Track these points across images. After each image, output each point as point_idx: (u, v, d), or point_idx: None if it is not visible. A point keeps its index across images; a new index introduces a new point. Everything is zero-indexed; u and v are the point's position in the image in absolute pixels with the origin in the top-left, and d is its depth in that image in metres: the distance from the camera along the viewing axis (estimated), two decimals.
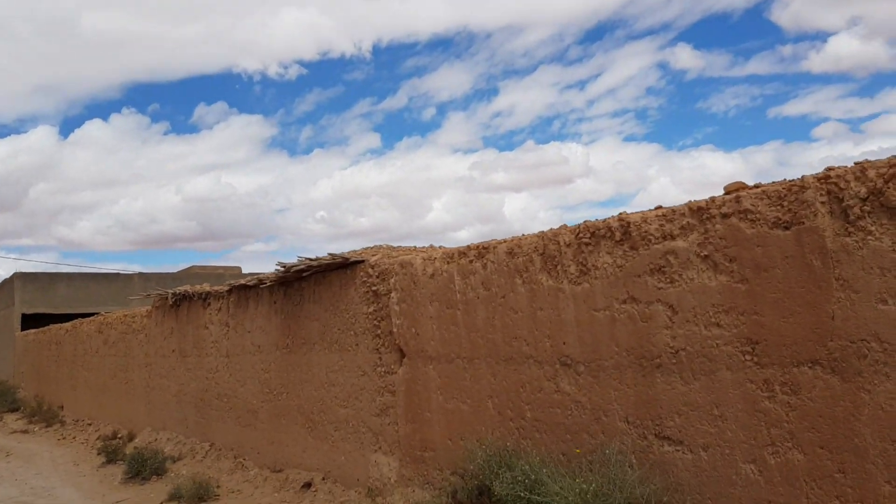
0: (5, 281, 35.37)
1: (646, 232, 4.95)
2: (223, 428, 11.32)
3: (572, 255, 5.45)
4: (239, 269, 36.05)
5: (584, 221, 5.40)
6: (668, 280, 4.79)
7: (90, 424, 17.19)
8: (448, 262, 6.78)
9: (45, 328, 24.03)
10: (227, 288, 11.33)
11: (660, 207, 5.00)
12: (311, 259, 8.56)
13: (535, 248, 5.80)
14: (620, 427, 5.11)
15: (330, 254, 8.26)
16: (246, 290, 10.81)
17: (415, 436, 7.18)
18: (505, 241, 6.16)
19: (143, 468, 11.13)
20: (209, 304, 12.02)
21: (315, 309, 9.03)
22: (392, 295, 7.55)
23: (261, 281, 9.86)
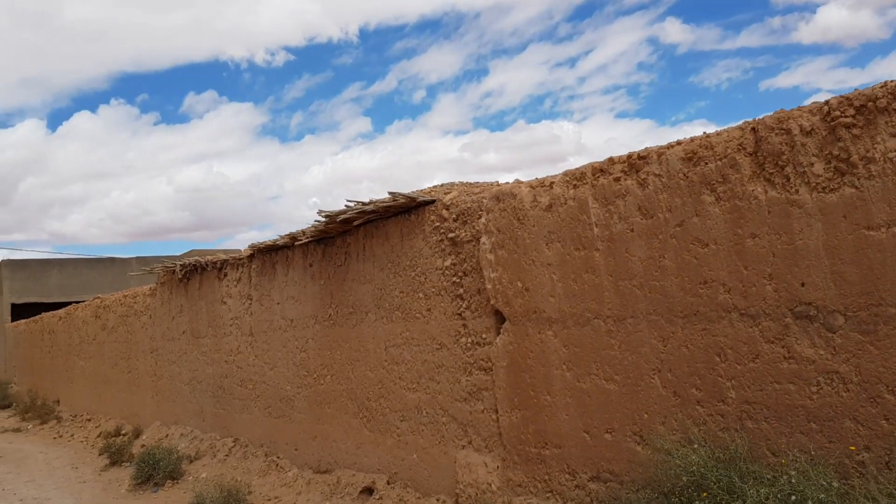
0: None
1: None
2: (249, 420, 9.45)
3: (817, 146, 3.56)
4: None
5: (840, 96, 3.49)
6: None
7: (90, 420, 15.33)
8: (575, 186, 4.87)
9: (37, 317, 22.12)
10: (248, 253, 9.42)
11: None
12: (363, 203, 6.65)
13: (740, 145, 3.89)
14: None
15: (390, 193, 6.35)
16: (272, 254, 8.90)
17: (525, 427, 5.32)
18: (679, 144, 4.25)
19: (155, 471, 9.29)
20: (226, 275, 10.11)
21: (366, 268, 7.14)
22: (482, 241, 5.66)
23: (293, 238, 7.94)
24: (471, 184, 6.53)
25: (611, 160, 4.64)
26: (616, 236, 4.59)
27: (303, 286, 8.25)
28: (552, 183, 5.06)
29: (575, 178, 4.90)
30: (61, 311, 19.15)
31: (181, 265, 10.96)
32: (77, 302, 20.71)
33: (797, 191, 3.62)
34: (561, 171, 5.05)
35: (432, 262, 6.29)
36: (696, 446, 3.81)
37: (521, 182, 5.39)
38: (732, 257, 3.93)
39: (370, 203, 6.58)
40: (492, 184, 6.40)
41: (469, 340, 5.89)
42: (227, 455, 9.50)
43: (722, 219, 3.98)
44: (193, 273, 10.99)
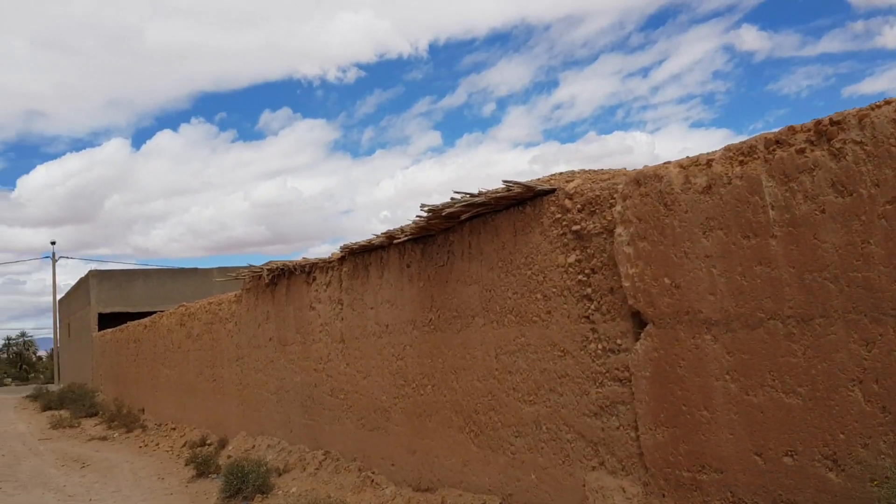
0: (81, 280, 34.23)
1: None
2: (340, 432, 8.92)
3: None
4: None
5: None
6: None
7: (174, 429, 15.15)
8: (742, 163, 4.12)
9: (123, 326, 22.35)
10: (339, 255, 8.92)
11: None
12: (471, 195, 6.02)
13: None
14: None
15: (505, 182, 5.69)
16: (365, 256, 8.36)
17: (675, 447, 4.57)
18: (889, 103, 3.46)
19: (244, 484, 8.83)
20: (314, 279, 9.64)
21: (472, 268, 6.50)
22: (617, 232, 4.94)
23: (390, 237, 7.37)
24: (594, 171, 5.82)
25: (791, 129, 3.87)
26: (800, 220, 3.81)
27: (399, 289, 7.68)
28: (710, 160, 4.31)
29: (741, 152, 4.14)
30: (146, 320, 19.20)
31: (268, 269, 10.56)
32: (161, 311, 20.80)
33: None
34: (721, 147, 4.30)
35: (552, 259, 5.60)
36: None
37: (668, 163, 4.66)
38: None
39: (480, 195, 5.94)
40: (619, 169, 5.68)
41: (599, 347, 5.17)
42: (317, 469, 8.99)
43: None
44: (280, 278, 10.58)
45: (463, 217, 6.26)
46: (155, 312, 19.71)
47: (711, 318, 4.31)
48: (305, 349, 9.85)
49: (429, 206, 6.40)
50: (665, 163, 4.69)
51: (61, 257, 48.54)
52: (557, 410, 5.55)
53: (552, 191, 5.59)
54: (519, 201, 5.90)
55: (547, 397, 5.65)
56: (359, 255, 8.53)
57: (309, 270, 9.78)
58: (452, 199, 6.18)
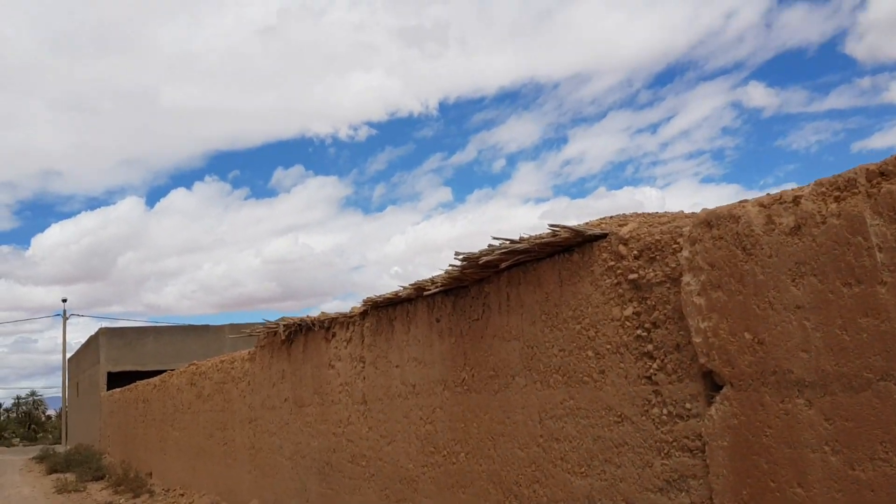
0: (90, 338, 33.70)
1: None
2: (361, 502, 8.23)
3: None
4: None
5: None
6: None
7: (182, 495, 14.42)
8: (837, 199, 3.57)
9: (132, 385, 21.74)
10: (360, 309, 8.37)
11: None
12: (511, 241, 5.49)
13: None
14: None
15: (551, 226, 5.17)
16: (390, 309, 7.81)
17: None
18: None
19: None
20: (334, 335, 9.08)
21: (512, 322, 5.94)
22: (685, 280, 4.38)
23: (420, 289, 6.83)
24: (649, 214, 5.29)
25: None
26: None
27: (428, 345, 7.10)
28: (797, 197, 3.78)
29: (836, 187, 3.60)
30: (156, 379, 18.62)
31: (285, 325, 10.01)
32: (171, 370, 20.22)
33: None
34: (810, 183, 3.77)
35: (605, 312, 5.03)
36: None
37: (745, 201, 4.13)
38: None
39: (522, 240, 5.41)
40: (678, 212, 5.15)
41: (664, 412, 4.57)
42: None
43: None
44: (297, 334, 10.02)
45: (502, 266, 5.73)
46: (165, 371, 19.13)
47: (805, 380, 3.72)
48: (323, 411, 9.23)
49: (464, 254, 5.88)
50: (741, 201, 4.16)
51: (72, 314, 48.22)
52: (615, 484, 4.90)
53: (603, 236, 5.06)
54: (565, 248, 5.37)
55: (602, 469, 5.01)
56: (383, 309, 7.98)
57: (328, 326, 9.22)
58: (490, 246, 5.66)
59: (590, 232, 5.07)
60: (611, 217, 5.34)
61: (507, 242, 5.50)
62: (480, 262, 5.71)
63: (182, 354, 29.56)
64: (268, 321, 10.39)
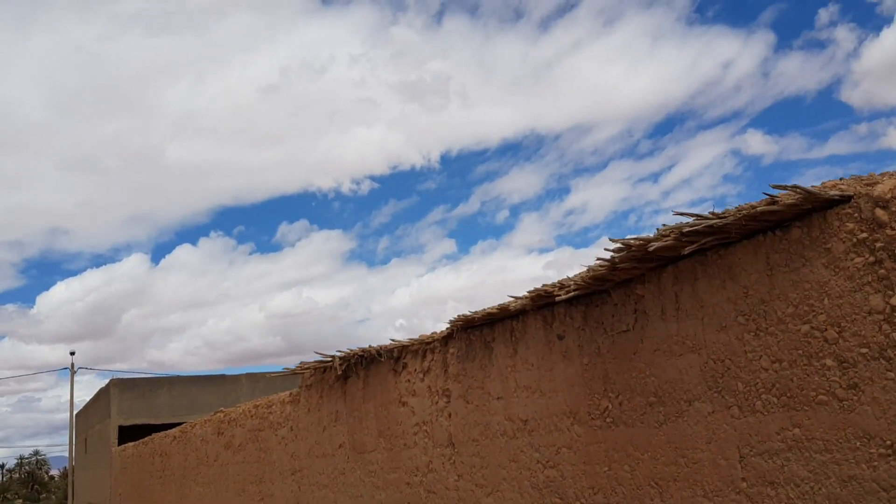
0: (101, 391, 32.08)
1: None
2: None
3: None
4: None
5: None
6: None
7: None
8: None
9: (147, 438, 20.11)
10: (444, 333, 6.94)
11: None
12: (701, 217, 4.09)
13: None
14: None
15: (776, 187, 3.77)
16: (484, 330, 6.38)
17: None
18: None
19: None
20: (404, 367, 7.62)
21: (685, 329, 4.51)
22: None
23: (539, 297, 5.41)
24: None
25: None
26: None
27: (547, 369, 5.65)
28: None
29: None
30: (175, 430, 17.04)
31: (341, 358, 8.56)
32: (186, 422, 18.61)
33: None
34: None
35: (856, 303, 3.62)
36: None
37: None
38: None
39: (718, 216, 4.01)
40: None
41: None
42: None
43: None
44: (354, 368, 8.56)
45: (685, 251, 4.31)
46: (180, 424, 17.60)
47: None
48: (393, 457, 7.71)
49: (622, 240, 4.48)
50: None
51: (80, 368, 46.58)
52: None
53: (847, 199, 3.67)
54: (776, 223, 3.98)
55: None
56: (474, 331, 6.56)
57: (398, 356, 7.77)
58: (664, 226, 4.27)
59: (829, 194, 3.68)
60: (842, 179, 3.95)
61: (694, 219, 4.11)
62: (651, 248, 4.30)
63: (197, 406, 27.86)
64: (321, 353, 8.92)
